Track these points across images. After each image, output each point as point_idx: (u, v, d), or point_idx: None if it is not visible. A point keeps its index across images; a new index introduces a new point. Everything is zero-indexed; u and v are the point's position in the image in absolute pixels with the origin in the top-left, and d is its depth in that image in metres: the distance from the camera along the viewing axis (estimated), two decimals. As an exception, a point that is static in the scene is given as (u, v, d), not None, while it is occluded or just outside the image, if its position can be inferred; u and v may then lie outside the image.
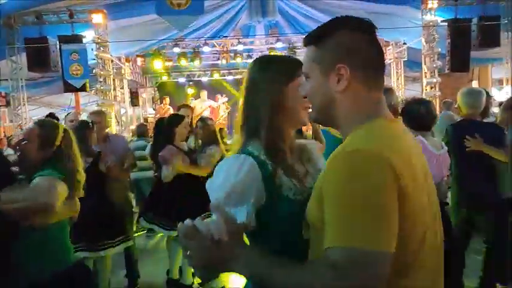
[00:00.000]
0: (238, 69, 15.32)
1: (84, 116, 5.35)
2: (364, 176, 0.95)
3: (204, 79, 15.76)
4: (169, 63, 14.32)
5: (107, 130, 4.40)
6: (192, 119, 5.06)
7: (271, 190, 1.28)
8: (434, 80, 9.90)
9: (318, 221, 1.04)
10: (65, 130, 2.38)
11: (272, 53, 12.53)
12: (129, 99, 13.29)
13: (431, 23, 9.57)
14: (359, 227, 0.93)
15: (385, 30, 10.62)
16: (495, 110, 6.18)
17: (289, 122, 1.39)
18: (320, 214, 1.02)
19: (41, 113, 11.01)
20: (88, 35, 9.48)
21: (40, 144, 2.27)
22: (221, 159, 1.58)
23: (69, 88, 9.15)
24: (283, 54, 14.23)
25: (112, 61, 10.45)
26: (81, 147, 2.61)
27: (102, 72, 9.65)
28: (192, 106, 5.46)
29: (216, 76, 15.72)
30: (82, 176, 2.39)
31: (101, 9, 9.15)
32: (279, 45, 13.68)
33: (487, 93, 3.76)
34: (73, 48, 8.82)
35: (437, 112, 6.30)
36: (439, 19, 9.54)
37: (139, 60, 13.89)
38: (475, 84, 13.58)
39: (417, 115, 2.86)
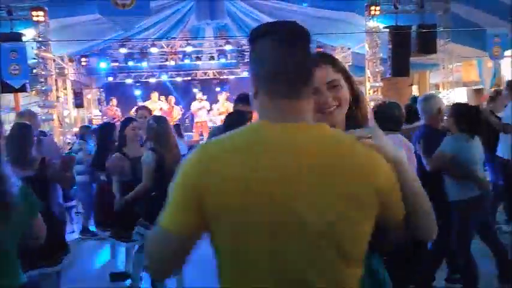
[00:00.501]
0: (186, 70, 15.22)
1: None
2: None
3: (152, 80, 15.50)
4: (116, 64, 14.01)
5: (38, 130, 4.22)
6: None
7: None
8: (377, 84, 10.32)
9: None
10: None
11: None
12: (73, 101, 12.82)
13: (374, 29, 9.94)
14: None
15: (332, 36, 10.98)
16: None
17: None
18: None
19: (-24, 114, 10.36)
20: (28, 34, 9.07)
21: None
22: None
23: (7, 88, 8.70)
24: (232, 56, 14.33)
25: (54, 61, 10.04)
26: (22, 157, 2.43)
27: (43, 72, 9.27)
28: (150, 108, 5.38)
29: (164, 77, 15.53)
30: None
31: (42, 7, 8.79)
32: (228, 47, 13.73)
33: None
34: (11, 47, 8.40)
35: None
36: (381, 25, 9.95)
37: (83, 61, 13.42)
38: (414, 88, 14.31)
39: (391, 117, 2.99)
